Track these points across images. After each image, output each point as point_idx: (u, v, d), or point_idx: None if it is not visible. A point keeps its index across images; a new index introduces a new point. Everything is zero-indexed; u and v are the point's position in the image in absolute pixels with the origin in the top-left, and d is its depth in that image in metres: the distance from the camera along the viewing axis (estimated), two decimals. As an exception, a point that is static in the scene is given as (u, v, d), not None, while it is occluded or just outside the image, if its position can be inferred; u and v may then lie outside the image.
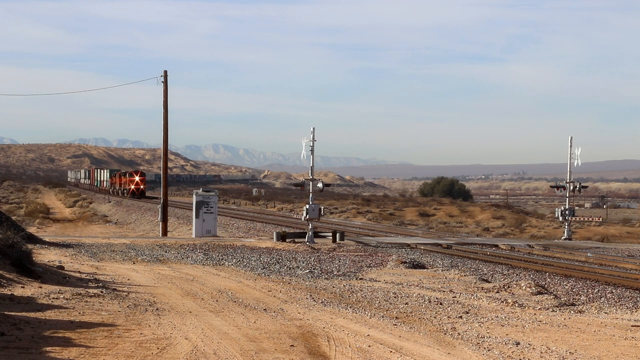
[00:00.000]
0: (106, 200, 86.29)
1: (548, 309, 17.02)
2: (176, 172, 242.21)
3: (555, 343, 12.89)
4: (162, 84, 43.04)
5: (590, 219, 65.28)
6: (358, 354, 11.69)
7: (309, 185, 34.61)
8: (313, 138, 34.22)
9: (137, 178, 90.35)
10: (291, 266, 24.94)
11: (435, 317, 15.27)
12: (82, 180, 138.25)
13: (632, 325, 14.73)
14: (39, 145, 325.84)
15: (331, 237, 35.23)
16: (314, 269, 24.39)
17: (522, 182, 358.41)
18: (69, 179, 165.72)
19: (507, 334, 13.57)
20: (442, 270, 25.03)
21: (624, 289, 21.58)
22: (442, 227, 66.78)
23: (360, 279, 22.09)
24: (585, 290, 21.30)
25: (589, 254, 32.09)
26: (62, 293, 16.07)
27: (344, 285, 20.04)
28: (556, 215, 42.00)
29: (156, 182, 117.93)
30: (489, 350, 12.26)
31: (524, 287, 19.74)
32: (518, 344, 12.72)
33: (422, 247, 34.25)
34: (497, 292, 19.67)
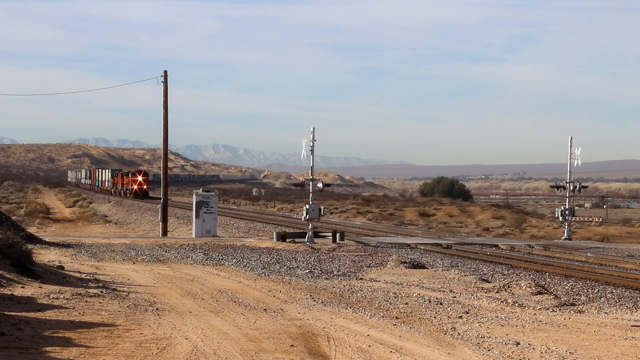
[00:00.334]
0: (106, 200, 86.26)
1: (548, 309, 17.02)
2: (176, 172, 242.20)
3: (555, 343, 12.89)
4: (162, 84, 43.05)
5: (590, 219, 65.27)
6: (358, 354, 11.70)
7: (309, 185, 34.61)
8: (313, 138, 34.22)
9: (140, 178, 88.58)
10: (291, 266, 24.94)
11: (435, 317, 15.27)
12: (82, 181, 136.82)
13: (632, 325, 14.73)
14: (39, 145, 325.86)
15: (331, 237, 35.23)
16: (314, 269, 24.39)
17: (522, 182, 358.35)
18: (69, 179, 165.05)
19: (507, 334, 13.57)
20: (442, 270, 25.03)
21: (624, 289, 21.58)
22: (442, 227, 66.78)
23: (360, 279, 22.09)
24: (585, 290, 21.30)
25: (589, 254, 32.09)
26: (62, 293, 16.07)
27: (344, 285, 20.04)
28: (556, 215, 41.99)
29: (155, 182, 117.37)
30: (489, 350, 12.26)
31: (524, 287, 19.74)
32: (518, 344, 12.72)
33: (422, 247, 34.25)
34: (497, 292, 19.68)
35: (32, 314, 13.45)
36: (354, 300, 17.49)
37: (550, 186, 47.03)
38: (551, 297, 18.90)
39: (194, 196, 40.56)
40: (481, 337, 13.22)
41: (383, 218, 75.24)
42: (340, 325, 13.97)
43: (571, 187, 41.14)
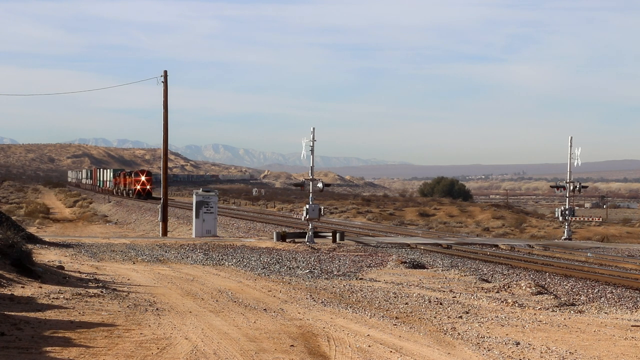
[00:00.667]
0: (106, 200, 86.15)
1: (548, 309, 17.02)
2: (176, 172, 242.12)
3: (555, 343, 12.89)
4: (162, 84, 43.05)
5: (590, 219, 65.15)
6: (358, 354, 11.70)
7: (309, 185, 34.61)
8: (313, 138, 34.22)
9: (143, 178, 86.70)
10: (291, 266, 24.94)
11: (435, 317, 15.27)
12: (83, 181, 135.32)
13: (632, 325, 14.73)
14: (39, 145, 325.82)
15: (331, 237, 35.23)
16: (314, 269, 24.39)
17: (522, 182, 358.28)
18: (69, 179, 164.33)
19: (507, 334, 13.57)
20: (442, 270, 25.03)
21: (624, 289, 21.58)
22: (442, 227, 66.77)
23: (360, 279, 22.09)
24: (585, 290, 21.30)
25: (589, 254, 32.09)
26: (62, 293, 16.07)
27: (344, 285, 20.04)
28: (556, 215, 41.99)
29: (155, 182, 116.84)
30: (489, 350, 12.26)
31: (524, 287, 19.74)
32: (518, 344, 12.72)
33: (422, 247, 34.25)
34: (497, 292, 19.68)
35: (32, 314, 13.45)
36: (354, 300, 17.49)
37: (550, 186, 47.03)
38: (551, 297, 18.90)
39: (194, 196, 40.56)
40: (481, 337, 13.22)
41: (383, 218, 75.24)
42: (340, 325, 13.97)
43: (571, 187, 41.14)
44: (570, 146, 40.23)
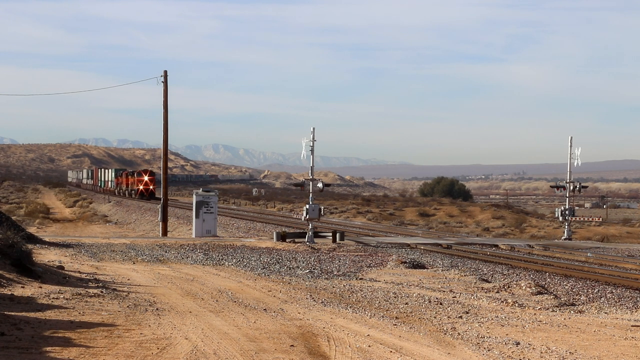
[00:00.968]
0: (106, 200, 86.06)
1: (548, 309, 17.02)
2: (176, 172, 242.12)
3: (555, 343, 12.89)
4: (162, 84, 43.04)
5: (590, 219, 65.10)
6: (358, 354, 11.69)
7: (309, 185, 34.61)
8: (313, 138, 34.22)
9: (146, 178, 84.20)
10: (291, 266, 24.94)
11: (435, 317, 15.27)
12: (84, 181, 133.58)
13: (632, 325, 14.73)
14: (39, 145, 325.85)
15: (331, 237, 35.23)
16: (314, 269, 24.39)
17: (522, 182, 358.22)
18: (69, 179, 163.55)
19: (507, 334, 13.57)
20: (442, 270, 25.03)
21: (624, 289, 21.57)
22: (442, 227, 66.77)
23: (360, 279, 22.09)
24: (585, 290, 21.30)
25: (589, 254, 32.09)
26: (62, 293, 16.07)
27: (344, 285, 20.04)
28: (556, 215, 41.99)
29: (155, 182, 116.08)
30: (489, 350, 12.26)
31: (524, 287, 19.74)
32: (518, 344, 12.72)
33: (422, 247, 34.25)
34: (497, 292, 19.68)
35: (32, 314, 13.45)
36: (354, 300, 17.49)
37: (550, 186, 47.02)
38: (551, 297, 18.90)
39: (194, 196, 40.57)
40: (481, 337, 13.22)
41: (383, 218, 75.23)
42: (340, 325, 13.97)
43: (571, 187, 41.14)
44: (570, 146, 40.24)
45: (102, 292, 16.75)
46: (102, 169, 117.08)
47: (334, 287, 19.75)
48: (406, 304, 17.00)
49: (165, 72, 43.28)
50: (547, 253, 33.18)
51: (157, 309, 15.09)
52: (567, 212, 40.66)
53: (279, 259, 27.17)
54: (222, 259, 26.70)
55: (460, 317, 15.39)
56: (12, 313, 13.26)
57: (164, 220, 43.10)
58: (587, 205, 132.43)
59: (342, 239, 35.46)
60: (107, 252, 28.32)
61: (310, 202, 34.69)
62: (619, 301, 19.37)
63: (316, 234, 35.53)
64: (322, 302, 16.91)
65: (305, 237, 34.61)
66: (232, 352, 11.45)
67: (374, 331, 13.55)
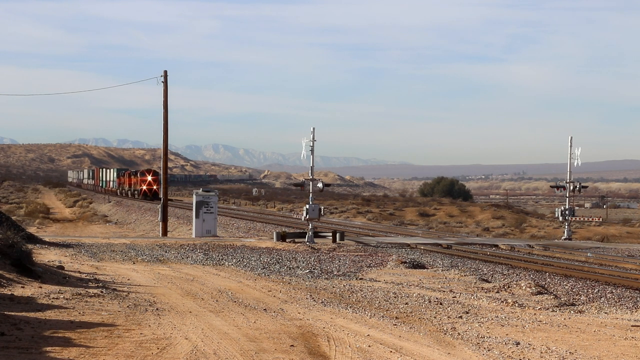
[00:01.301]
0: (106, 200, 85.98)
1: (548, 309, 17.02)
2: (176, 172, 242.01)
3: (555, 343, 12.89)
4: (162, 84, 43.04)
5: (590, 219, 65.11)
6: (358, 354, 11.69)
7: (309, 185, 34.60)
8: (313, 138, 34.22)
9: (149, 178, 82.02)
10: (291, 266, 24.94)
11: (435, 317, 15.27)
12: (85, 181, 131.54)
13: (632, 325, 14.73)
14: (39, 145, 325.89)
15: (331, 237, 35.22)
16: (314, 269, 24.39)
17: (522, 182, 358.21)
18: (69, 179, 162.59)
19: (507, 334, 13.57)
20: (442, 270, 25.02)
21: (624, 289, 21.57)
22: (442, 227, 66.77)
23: (360, 279, 22.09)
24: (585, 290, 21.29)
25: (589, 254, 32.08)
26: (62, 293, 16.07)
27: (344, 285, 20.04)
28: (556, 215, 41.98)
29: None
30: (489, 350, 12.26)
31: (524, 287, 19.74)
32: (518, 344, 12.72)
33: (422, 247, 34.24)
34: (497, 292, 19.67)
35: (32, 314, 13.45)
36: (354, 300, 17.49)
37: (550, 186, 47.02)
38: (551, 297, 18.90)
39: (194, 196, 40.57)
40: (481, 337, 13.22)
41: (383, 218, 75.23)
42: (340, 325, 13.97)
43: (571, 187, 41.13)
44: (570, 146, 40.24)
45: (102, 292, 16.75)
46: (104, 169, 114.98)
47: (334, 287, 19.75)
48: (406, 304, 17.00)
49: (165, 72, 43.29)
50: (547, 253, 33.18)
51: (157, 309, 15.09)
52: (567, 212, 40.66)
53: (279, 259, 27.17)
54: (222, 259, 26.70)
55: (460, 317, 15.39)
56: (12, 313, 13.26)
57: (164, 220, 43.09)
58: (587, 205, 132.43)
59: (342, 239, 35.46)
60: (107, 252, 28.32)
61: (310, 202, 34.69)
62: (619, 301, 19.36)
63: (316, 234, 35.53)
64: (322, 302, 16.91)
65: (305, 237, 34.61)
66: (232, 352, 11.45)
67: (374, 331, 13.55)
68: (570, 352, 12.18)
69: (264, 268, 24.03)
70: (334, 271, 23.94)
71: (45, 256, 24.59)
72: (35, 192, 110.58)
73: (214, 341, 12.17)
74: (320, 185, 34.77)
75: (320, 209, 34.80)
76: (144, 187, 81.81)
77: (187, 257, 27.28)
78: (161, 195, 44.05)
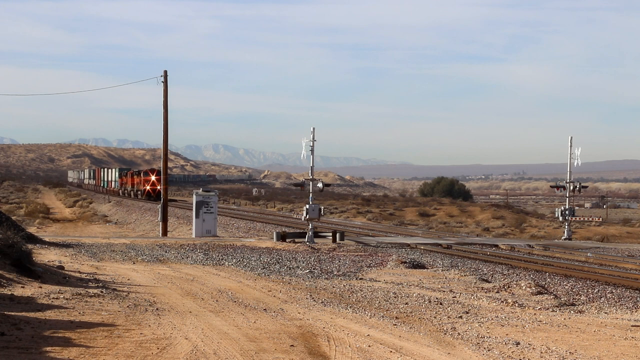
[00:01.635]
0: (106, 200, 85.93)
1: (548, 309, 17.02)
2: (176, 172, 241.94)
3: (555, 343, 12.89)
4: (162, 84, 43.05)
5: (590, 219, 65.09)
6: (358, 354, 11.69)
7: (309, 185, 34.60)
8: (313, 138, 34.21)
9: (153, 178, 78.39)
10: (291, 266, 24.93)
11: (435, 317, 15.27)
12: (86, 181, 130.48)
13: (632, 325, 14.73)
14: (39, 145, 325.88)
15: (331, 237, 35.22)
16: (314, 269, 24.39)
17: (522, 182, 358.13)
18: (69, 179, 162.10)
19: (507, 334, 13.57)
20: (442, 270, 25.02)
21: (624, 289, 21.56)
22: (442, 227, 66.76)
23: (360, 279, 22.09)
24: (585, 290, 21.28)
25: (589, 254, 32.08)
26: (62, 293, 16.07)
27: (344, 285, 20.04)
28: (556, 215, 41.98)
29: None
30: (489, 350, 12.26)
31: (524, 287, 19.74)
32: (518, 344, 12.72)
33: (422, 247, 34.24)
34: (497, 292, 19.67)
35: (32, 314, 13.45)
36: (354, 300, 17.49)
37: (550, 186, 47.02)
38: (551, 297, 18.89)
39: (194, 196, 40.58)
40: (481, 337, 13.21)
41: (383, 218, 75.23)
42: (340, 325, 13.97)
43: (571, 187, 41.13)
44: (570, 146, 40.23)
45: (102, 292, 16.75)
46: (105, 169, 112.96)
47: (334, 287, 19.75)
48: (406, 304, 17.00)
49: (165, 72, 43.30)
50: (547, 253, 33.18)
51: (157, 309, 15.09)
52: (567, 212, 40.66)
53: (279, 259, 27.17)
54: (222, 259, 26.70)
55: (460, 317, 15.39)
56: (12, 313, 13.26)
57: (164, 220, 43.09)
58: (587, 205, 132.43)
59: (342, 239, 35.46)
60: (107, 252, 28.32)
61: (310, 202, 34.68)
62: (619, 301, 19.35)
63: (316, 234, 35.52)
64: (322, 302, 16.91)
65: (305, 237, 34.61)
66: (232, 352, 11.45)
67: (374, 331, 13.55)
68: (570, 352, 12.18)
69: (264, 268, 24.03)
70: (334, 271, 23.94)
71: (45, 256, 24.59)
72: (35, 192, 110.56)
73: (214, 341, 12.17)
74: (320, 185, 34.77)
75: (320, 209, 34.80)
76: (148, 187, 78.94)
77: (187, 257, 27.28)
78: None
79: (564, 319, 15.56)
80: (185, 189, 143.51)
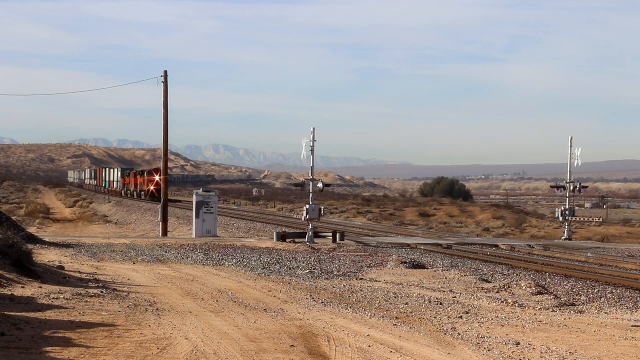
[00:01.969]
0: (106, 200, 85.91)
1: (548, 309, 17.02)
2: (176, 172, 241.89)
3: (555, 343, 12.89)
4: (162, 84, 43.04)
5: (590, 219, 65.09)
6: (358, 354, 11.69)
7: (309, 185, 34.60)
8: (313, 138, 34.21)
9: (157, 177, 75.07)
10: (291, 266, 24.94)
11: (435, 317, 15.27)
12: (86, 181, 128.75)
13: (632, 325, 14.73)
14: (39, 145, 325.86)
15: (331, 237, 35.22)
16: (314, 269, 24.39)
17: (522, 182, 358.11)
18: (70, 179, 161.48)
19: (507, 334, 13.57)
20: (442, 270, 25.02)
21: (624, 289, 21.56)
22: (442, 227, 66.76)
23: (360, 279, 22.09)
24: (585, 290, 21.28)
25: (589, 254, 32.08)
26: (62, 293, 16.07)
27: (344, 285, 20.04)
28: (556, 215, 41.99)
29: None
30: (489, 350, 12.26)
31: (524, 287, 19.74)
32: (518, 344, 12.72)
33: (422, 247, 34.24)
34: (497, 292, 19.67)
35: (32, 314, 13.45)
36: (354, 300, 17.49)
37: (550, 186, 47.02)
38: (551, 297, 18.89)
39: (194, 196, 40.58)
40: (481, 337, 13.22)
41: (383, 218, 75.23)
42: (340, 325, 13.97)
43: (571, 187, 41.13)
44: (570, 146, 40.24)
45: (102, 292, 16.75)
46: (107, 169, 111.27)
47: (334, 287, 19.75)
48: (406, 304, 17.00)
49: (165, 72, 43.29)
50: (547, 253, 33.18)
51: (157, 309, 15.09)
52: (567, 212, 40.66)
53: (279, 259, 27.17)
54: (222, 259, 26.70)
55: (460, 317, 15.39)
56: (12, 313, 13.26)
57: (164, 220, 43.10)
58: (587, 205, 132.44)
59: (342, 239, 35.46)
60: (107, 252, 28.32)
61: (310, 202, 34.69)
62: (619, 301, 19.35)
63: (316, 234, 35.53)
64: (322, 302, 16.91)
65: (305, 237, 34.61)
66: (232, 352, 11.45)
67: (374, 331, 13.55)
68: (570, 352, 12.18)
69: (264, 268, 24.03)
70: (334, 271, 23.94)
71: (45, 256, 24.59)
72: (35, 192, 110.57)
73: (214, 341, 12.17)
74: (320, 185, 34.77)
75: (320, 209, 34.80)
76: (152, 188, 76.84)
77: (187, 257, 27.28)
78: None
79: (564, 319, 15.56)
80: (185, 189, 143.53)
